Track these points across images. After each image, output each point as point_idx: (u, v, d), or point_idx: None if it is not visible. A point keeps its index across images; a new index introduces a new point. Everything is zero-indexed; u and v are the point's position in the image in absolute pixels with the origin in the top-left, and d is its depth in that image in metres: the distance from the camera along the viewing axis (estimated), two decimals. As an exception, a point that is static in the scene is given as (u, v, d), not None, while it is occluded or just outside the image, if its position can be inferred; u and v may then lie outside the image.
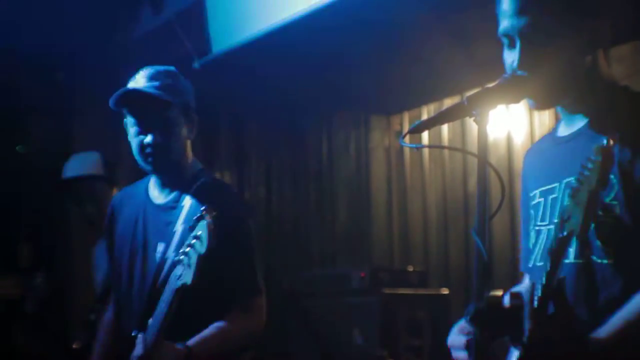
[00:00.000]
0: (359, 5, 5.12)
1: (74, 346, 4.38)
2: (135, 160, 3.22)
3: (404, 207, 6.52)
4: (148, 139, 3.12)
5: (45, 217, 7.15)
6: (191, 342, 2.92)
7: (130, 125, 3.18)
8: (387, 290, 5.16)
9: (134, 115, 3.16)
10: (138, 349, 2.87)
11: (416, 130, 2.06)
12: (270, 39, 5.59)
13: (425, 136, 6.01)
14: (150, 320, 2.89)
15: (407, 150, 6.51)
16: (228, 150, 7.67)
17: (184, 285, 2.76)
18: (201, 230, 2.72)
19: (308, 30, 5.45)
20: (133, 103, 3.16)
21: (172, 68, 3.27)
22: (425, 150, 6.40)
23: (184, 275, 2.75)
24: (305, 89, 6.70)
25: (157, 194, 3.27)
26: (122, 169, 7.26)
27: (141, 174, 3.38)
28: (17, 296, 5.79)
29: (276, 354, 3.35)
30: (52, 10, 6.48)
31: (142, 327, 2.95)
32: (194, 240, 2.74)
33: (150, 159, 3.14)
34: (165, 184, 3.25)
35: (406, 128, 6.55)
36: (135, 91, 3.15)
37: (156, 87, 3.14)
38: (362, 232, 6.65)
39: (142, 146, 3.14)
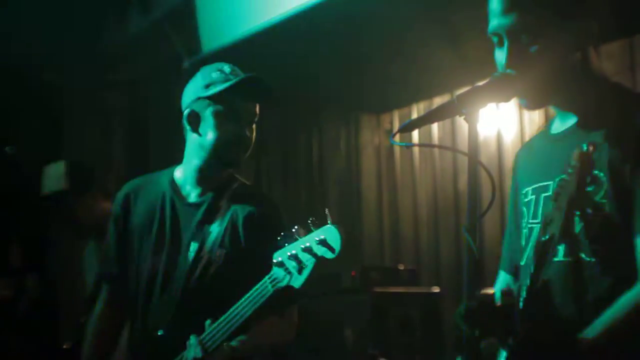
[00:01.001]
0: (348, 4, 5.12)
1: (64, 346, 4.36)
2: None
3: (394, 205, 6.53)
4: (241, 131, 3.12)
5: (34, 219, 7.13)
6: (236, 343, 2.94)
7: (216, 112, 3.12)
8: (378, 289, 5.17)
9: (234, 104, 3.13)
10: (196, 352, 2.85)
11: (406, 128, 2.05)
12: (260, 38, 5.60)
13: (415, 135, 6.03)
14: (215, 324, 2.88)
15: (397, 149, 6.52)
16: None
17: (288, 288, 2.76)
18: (327, 235, 2.66)
19: (298, 29, 5.46)
20: (236, 93, 3.12)
21: None
22: (416, 149, 6.41)
23: (293, 279, 2.74)
24: (295, 88, 6.70)
25: (188, 189, 3.22)
26: (112, 169, 7.28)
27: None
28: (8, 297, 5.78)
29: (267, 353, 3.34)
30: (41, 11, 6.47)
31: (169, 326, 3.02)
32: (314, 244, 2.68)
33: (240, 153, 3.15)
34: (200, 180, 3.20)
35: (396, 126, 6.54)
36: (263, 82, 3.17)
37: (256, 78, 3.16)
38: (352, 231, 6.65)
39: (232, 137, 3.11)
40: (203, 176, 3.19)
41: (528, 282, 1.89)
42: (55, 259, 7.13)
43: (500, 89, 2.05)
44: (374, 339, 5.01)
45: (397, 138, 2.10)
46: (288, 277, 2.75)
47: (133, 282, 3.23)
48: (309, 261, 2.71)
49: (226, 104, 3.12)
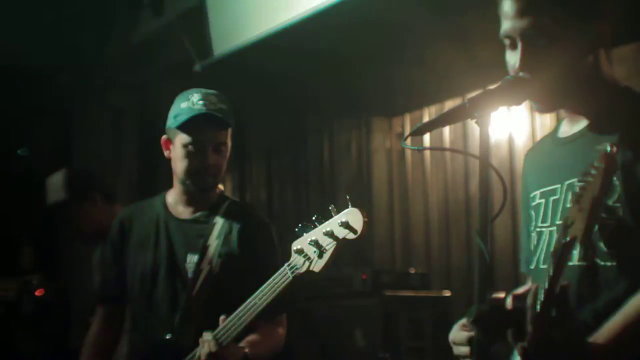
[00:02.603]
0: (360, 7, 5.12)
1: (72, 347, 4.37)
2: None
3: (405, 209, 6.52)
4: (204, 160, 3.24)
5: (46, 221, 7.15)
6: (245, 345, 3.08)
7: (183, 144, 3.26)
8: (388, 292, 5.15)
9: (192, 136, 3.25)
10: (211, 346, 2.93)
11: (418, 132, 2.05)
12: (271, 41, 5.60)
13: (426, 138, 6.01)
14: (229, 319, 2.98)
15: (408, 152, 6.51)
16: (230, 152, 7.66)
17: (309, 273, 2.87)
18: (350, 217, 2.78)
19: (309, 32, 5.46)
20: (195, 125, 3.24)
21: (219, 92, 3.37)
22: (427, 152, 6.40)
23: (313, 264, 2.85)
24: (306, 91, 6.70)
25: (181, 210, 3.41)
26: (122, 172, 7.29)
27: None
28: (19, 299, 5.81)
29: (278, 356, 3.37)
30: (53, 13, 6.49)
31: (176, 331, 3.16)
32: (336, 227, 2.79)
33: (203, 179, 3.28)
34: (190, 202, 3.39)
35: (407, 130, 6.54)
36: (206, 115, 3.24)
37: (217, 111, 3.25)
38: (366, 231, 6.63)
39: (197, 167, 3.26)
40: (190, 198, 3.39)
41: (547, 285, 1.88)
42: (65, 260, 7.15)
43: (513, 93, 2.05)
44: (385, 342, 5.00)
45: (408, 141, 2.10)
46: (308, 263, 2.87)
47: (133, 296, 3.39)
48: (330, 245, 2.82)
49: (191, 134, 3.25)
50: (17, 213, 7.15)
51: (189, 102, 3.27)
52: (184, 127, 3.24)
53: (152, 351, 3.23)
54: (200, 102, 3.26)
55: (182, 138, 3.26)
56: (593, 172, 1.84)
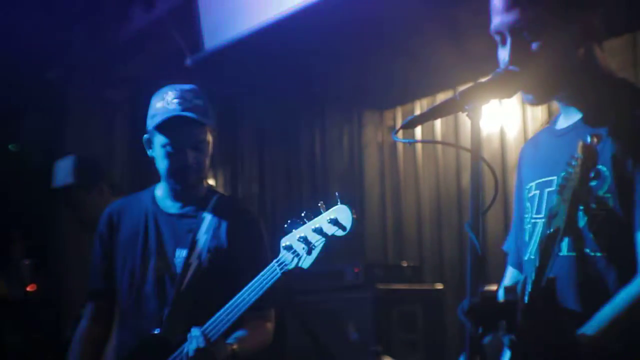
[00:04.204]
0: (351, 1, 5.12)
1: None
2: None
3: (397, 202, 6.52)
4: (184, 160, 3.23)
5: (38, 215, 7.14)
6: (233, 341, 3.11)
7: (161, 144, 3.26)
8: (381, 286, 5.16)
9: (169, 137, 3.24)
10: (199, 342, 2.94)
11: (409, 125, 2.05)
12: (262, 35, 5.59)
13: (418, 131, 6.02)
14: (217, 314, 2.99)
15: (400, 146, 6.51)
16: (221, 147, 7.66)
17: (297, 269, 2.90)
18: (339, 214, 2.80)
19: (300, 27, 5.45)
20: (170, 125, 3.23)
21: (195, 87, 3.35)
22: (418, 146, 6.41)
23: (302, 261, 2.87)
24: (297, 85, 6.70)
25: (169, 204, 3.40)
26: (114, 166, 7.28)
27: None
28: (9, 294, 5.79)
29: (271, 350, 3.37)
30: (43, 9, 6.47)
31: (165, 326, 3.17)
32: (325, 224, 2.81)
33: (184, 178, 3.28)
34: (178, 196, 3.38)
35: (399, 123, 6.52)
36: (177, 116, 3.21)
37: (190, 109, 3.22)
38: (355, 228, 6.63)
39: (176, 166, 3.26)
40: (177, 194, 3.38)
41: (534, 276, 1.89)
42: (58, 252, 7.15)
43: (503, 86, 2.05)
44: (377, 335, 5.01)
45: (399, 135, 2.11)
46: (296, 259, 2.89)
47: (122, 291, 3.38)
48: (318, 241, 2.84)
49: (168, 135, 3.24)
50: (8, 209, 7.14)
51: (163, 102, 3.26)
52: (160, 129, 3.24)
53: (141, 346, 3.22)
54: (175, 100, 3.24)
55: (160, 139, 3.26)
56: (574, 163, 1.86)
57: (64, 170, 4.58)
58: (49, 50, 6.95)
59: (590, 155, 1.87)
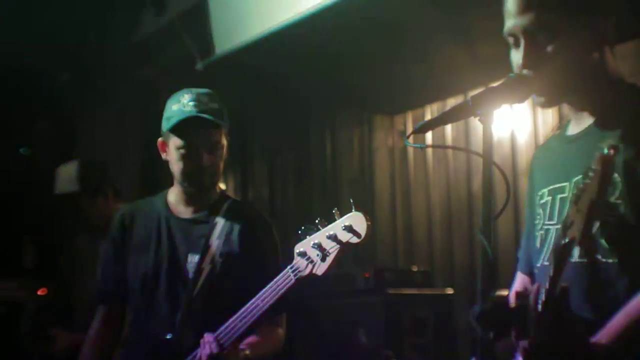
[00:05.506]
0: (361, 5, 5.12)
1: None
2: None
3: (408, 207, 6.52)
4: (199, 162, 3.23)
5: (49, 219, 7.15)
6: (245, 347, 3.09)
7: (176, 147, 3.25)
8: (391, 290, 5.16)
9: (185, 139, 3.24)
10: (212, 347, 2.94)
11: (420, 130, 2.05)
12: (273, 39, 5.60)
13: (429, 136, 6.01)
14: (230, 320, 2.98)
15: (410, 150, 6.51)
16: (232, 151, 7.66)
17: (309, 275, 2.88)
18: (353, 221, 2.77)
19: (311, 30, 5.46)
20: (186, 127, 3.23)
21: (211, 91, 3.35)
22: (429, 150, 6.40)
23: (316, 267, 2.86)
24: (308, 89, 6.70)
25: (182, 209, 3.39)
26: (126, 171, 7.29)
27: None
28: (21, 299, 5.79)
29: (281, 354, 3.37)
30: (55, 13, 6.49)
31: (177, 331, 3.16)
32: (339, 231, 2.79)
33: (199, 181, 3.28)
34: (190, 201, 3.37)
35: (409, 128, 6.54)
36: (196, 117, 3.21)
37: (206, 112, 3.22)
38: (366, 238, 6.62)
39: (191, 168, 3.25)
40: (190, 198, 3.37)
41: (547, 285, 1.88)
42: (70, 255, 7.15)
43: (516, 90, 2.04)
44: (387, 340, 5.00)
45: (411, 139, 2.10)
46: (311, 265, 2.87)
47: (134, 295, 3.37)
48: (333, 248, 2.81)
49: (183, 137, 3.24)
50: (20, 213, 7.15)
51: (179, 104, 3.25)
52: (175, 130, 3.23)
53: (153, 351, 3.21)
54: (191, 103, 3.23)
55: (175, 141, 3.25)
56: (591, 174, 1.85)
57: (67, 177, 4.51)
58: (60, 55, 6.97)
59: (608, 167, 1.85)
